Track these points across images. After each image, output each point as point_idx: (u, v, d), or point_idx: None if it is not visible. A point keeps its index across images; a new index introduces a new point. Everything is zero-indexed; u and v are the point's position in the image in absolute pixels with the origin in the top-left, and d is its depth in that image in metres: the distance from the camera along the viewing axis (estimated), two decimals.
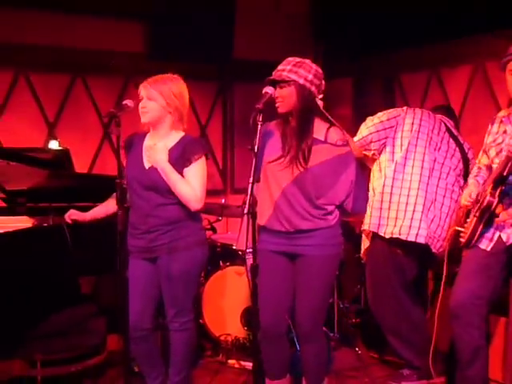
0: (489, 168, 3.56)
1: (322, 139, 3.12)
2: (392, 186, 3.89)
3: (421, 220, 3.83)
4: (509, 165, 3.24)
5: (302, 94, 3.08)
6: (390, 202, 3.89)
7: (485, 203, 3.34)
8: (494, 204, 3.32)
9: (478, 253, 3.42)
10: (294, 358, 3.59)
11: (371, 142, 3.96)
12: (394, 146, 3.95)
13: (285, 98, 3.09)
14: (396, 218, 3.86)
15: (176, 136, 3.33)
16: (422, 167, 3.89)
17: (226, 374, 4.20)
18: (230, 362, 4.33)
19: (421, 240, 3.81)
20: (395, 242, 3.89)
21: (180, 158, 3.25)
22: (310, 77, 3.09)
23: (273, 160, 3.15)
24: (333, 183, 3.11)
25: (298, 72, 3.07)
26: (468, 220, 3.51)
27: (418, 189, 3.86)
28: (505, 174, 3.26)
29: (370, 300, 4.15)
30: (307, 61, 3.14)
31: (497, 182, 3.32)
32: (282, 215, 3.14)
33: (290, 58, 3.14)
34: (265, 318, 3.18)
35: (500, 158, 3.40)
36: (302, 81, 3.07)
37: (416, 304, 4.06)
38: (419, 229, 3.82)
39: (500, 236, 3.37)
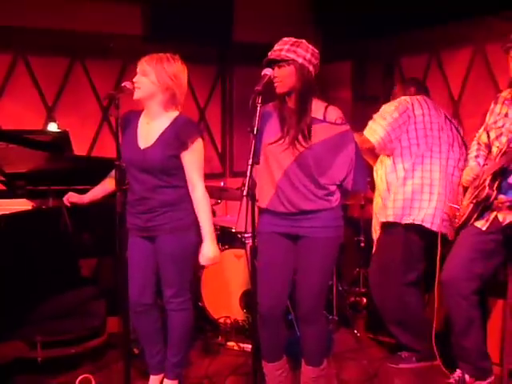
0: (487, 146, 3.57)
1: (321, 118, 3.11)
2: (413, 178, 3.90)
3: (443, 210, 3.85)
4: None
5: (302, 74, 3.07)
6: (412, 192, 3.88)
7: (484, 195, 3.35)
8: (493, 197, 3.34)
9: (473, 230, 3.46)
10: (292, 339, 3.62)
11: (390, 141, 3.95)
12: (409, 139, 3.95)
13: (284, 78, 3.07)
14: (419, 208, 3.86)
15: (169, 116, 3.32)
16: (440, 158, 3.91)
17: (225, 356, 4.23)
18: (229, 344, 4.35)
19: (442, 229, 3.83)
20: (413, 229, 3.90)
21: (175, 140, 3.25)
22: (308, 56, 3.08)
23: (273, 142, 3.14)
24: (333, 161, 3.10)
25: (297, 51, 3.06)
26: (464, 202, 3.53)
27: (440, 179, 3.88)
28: (506, 166, 3.29)
29: (374, 285, 4.15)
30: (303, 41, 3.12)
31: (496, 175, 3.33)
32: (285, 196, 3.14)
33: (285, 38, 3.12)
34: (263, 302, 3.19)
35: (500, 142, 3.40)
36: (300, 60, 3.05)
37: (417, 291, 4.08)
38: (442, 219, 3.84)
39: (496, 216, 3.38)
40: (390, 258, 4.02)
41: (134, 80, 3.25)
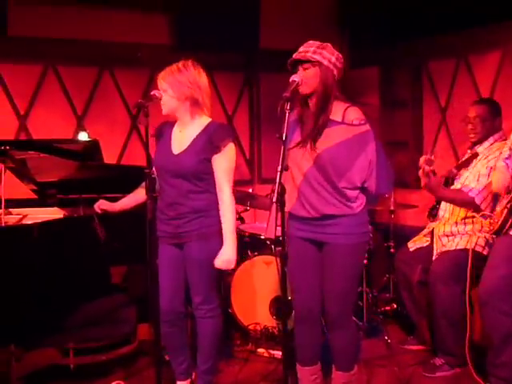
0: None
1: (339, 120, 3.10)
2: None
3: None
4: None
5: (326, 76, 3.07)
6: None
7: None
8: None
9: (509, 240, 3.39)
10: (325, 346, 3.60)
11: None
12: None
13: (308, 79, 3.06)
14: None
15: (201, 122, 3.35)
16: None
17: (255, 362, 4.22)
18: (259, 350, 4.34)
19: None
20: None
21: (208, 145, 3.28)
22: (333, 59, 3.08)
23: (293, 146, 3.15)
24: (351, 163, 3.06)
25: (323, 53, 3.06)
26: (498, 208, 3.49)
27: None
28: None
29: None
30: (329, 44, 3.13)
31: None
32: (306, 201, 3.14)
33: (311, 41, 3.12)
34: (299, 302, 3.20)
35: None
36: (326, 62, 3.06)
37: None
38: None
39: None
40: None
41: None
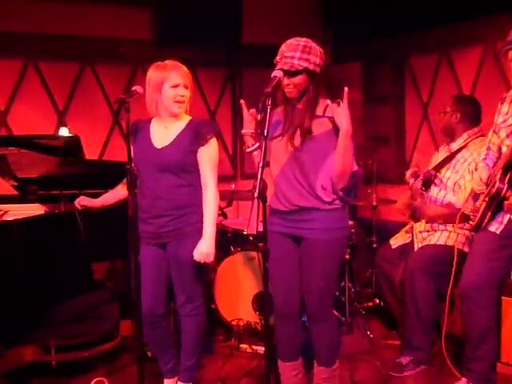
0: (499, 148, 3.53)
1: (321, 114, 3.12)
2: None
3: None
4: None
5: (313, 80, 3.09)
6: None
7: (494, 190, 3.33)
8: (504, 190, 3.31)
9: (488, 235, 3.42)
10: (307, 342, 3.61)
11: None
12: None
13: (296, 86, 3.09)
14: None
15: (184, 120, 3.36)
16: None
17: (238, 358, 4.22)
18: (242, 346, 4.35)
19: None
20: None
21: (194, 138, 3.29)
22: (318, 61, 3.09)
23: (272, 138, 3.15)
24: (328, 153, 3.09)
25: (309, 59, 3.05)
26: (477, 204, 3.51)
27: None
28: None
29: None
30: (313, 44, 3.10)
31: (507, 169, 3.31)
32: (281, 193, 3.16)
33: (294, 42, 3.07)
34: (278, 298, 3.22)
35: (510, 140, 3.38)
36: (311, 66, 3.06)
37: None
38: None
39: (510, 218, 3.36)
40: None
41: (180, 94, 3.28)
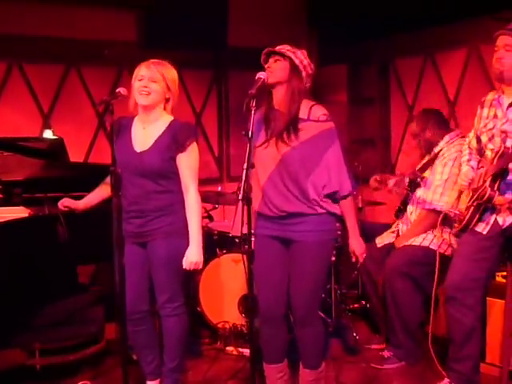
0: (478, 151, 3.54)
1: (305, 117, 3.13)
2: None
3: None
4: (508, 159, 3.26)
5: (294, 73, 3.13)
6: None
7: (485, 197, 3.33)
8: (495, 197, 3.32)
9: (475, 236, 3.43)
10: (293, 344, 3.61)
11: None
12: None
13: (276, 71, 3.13)
14: None
15: (165, 120, 3.33)
16: None
17: (224, 361, 4.21)
18: (228, 349, 4.34)
19: None
20: None
21: (173, 144, 3.26)
22: (305, 62, 3.16)
23: (259, 145, 3.17)
24: (318, 158, 3.11)
25: (296, 53, 3.15)
26: (462, 206, 3.53)
27: None
28: (505, 167, 3.28)
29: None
30: (304, 51, 3.21)
31: (496, 176, 3.33)
32: (268, 199, 3.17)
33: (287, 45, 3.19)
34: (263, 302, 3.21)
35: (494, 143, 3.39)
36: (297, 61, 3.13)
37: None
38: None
39: (496, 219, 3.37)
40: None
41: (141, 85, 3.24)
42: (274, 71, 3.13)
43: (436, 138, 4.22)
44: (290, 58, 3.12)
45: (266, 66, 3.15)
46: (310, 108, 3.15)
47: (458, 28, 5.25)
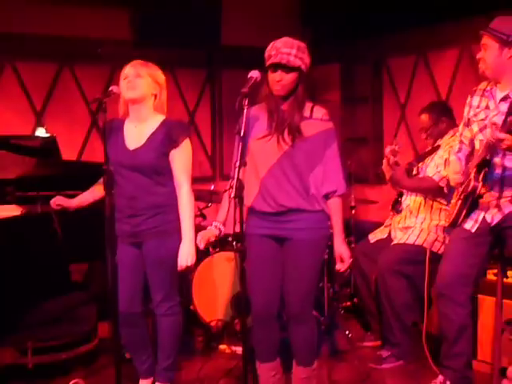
0: (470, 142, 3.53)
1: (308, 116, 3.14)
2: None
3: None
4: (491, 149, 3.25)
5: (303, 80, 3.10)
6: None
7: (469, 188, 3.35)
8: (479, 188, 3.33)
9: (463, 233, 3.45)
10: (285, 342, 3.62)
11: None
12: None
13: (288, 84, 3.08)
14: None
15: (157, 119, 3.33)
16: None
17: (216, 359, 4.22)
18: (221, 347, 4.34)
19: None
20: None
21: (166, 140, 3.27)
22: (308, 62, 3.13)
23: (259, 138, 3.15)
24: (319, 157, 3.13)
25: (303, 58, 3.08)
26: (453, 200, 3.54)
27: None
28: (488, 157, 3.28)
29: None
30: (305, 45, 3.13)
31: (480, 166, 3.33)
32: (269, 194, 3.15)
33: (288, 40, 3.09)
34: (256, 301, 3.21)
35: (484, 135, 3.37)
36: (303, 66, 3.09)
37: None
38: None
39: (484, 217, 3.38)
40: None
41: (126, 82, 3.26)
42: (285, 84, 3.07)
43: (449, 128, 4.22)
44: (298, 68, 3.05)
45: (274, 80, 3.06)
46: (312, 107, 3.15)
47: (450, 27, 5.27)
